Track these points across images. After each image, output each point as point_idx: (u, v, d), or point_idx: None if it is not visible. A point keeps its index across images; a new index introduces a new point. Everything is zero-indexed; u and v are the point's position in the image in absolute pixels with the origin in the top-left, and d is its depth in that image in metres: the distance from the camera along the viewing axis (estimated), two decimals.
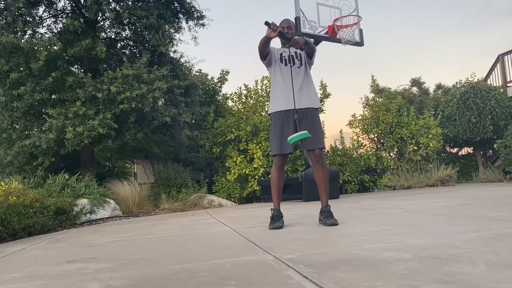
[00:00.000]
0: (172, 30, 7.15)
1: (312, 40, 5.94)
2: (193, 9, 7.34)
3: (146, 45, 7.11)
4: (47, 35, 6.58)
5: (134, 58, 7.20)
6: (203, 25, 7.51)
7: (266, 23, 2.87)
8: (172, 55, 7.59)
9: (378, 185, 8.59)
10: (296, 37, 2.96)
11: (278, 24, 3.09)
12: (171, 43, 7.29)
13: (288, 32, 3.05)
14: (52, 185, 5.71)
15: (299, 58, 3.11)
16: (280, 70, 3.09)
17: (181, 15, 7.37)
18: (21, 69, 6.00)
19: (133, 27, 7.28)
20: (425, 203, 4.12)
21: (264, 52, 3.08)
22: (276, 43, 3.26)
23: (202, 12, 7.42)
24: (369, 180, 8.58)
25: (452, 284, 1.23)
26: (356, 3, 6.40)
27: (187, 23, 7.49)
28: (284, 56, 3.11)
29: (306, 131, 2.80)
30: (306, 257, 1.80)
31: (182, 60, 7.82)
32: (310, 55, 3.12)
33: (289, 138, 2.82)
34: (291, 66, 3.07)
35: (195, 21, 7.44)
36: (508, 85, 10.02)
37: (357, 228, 2.64)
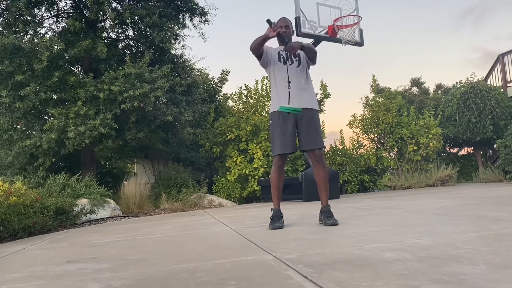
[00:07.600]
0: (175, 28, 7.15)
1: (312, 40, 5.97)
2: (196, 7, 7.35)
3: (148, 44, 7.10)
4: (47, 35, 6.58)
5: (136, 57, 7.20)
6: (207, 21, 7.54)
7: (268, 21, 2.84)
8: (174, 52, 7.60)
9: (378, 185, 8.60)
10: (293, 42, 2.94)
11: (276, 22, 3.08)
12: (177, 40, 7.31)
13: (286, 31, 3.01)
14: (52, 185, 5.71)
15: (297, 57, 3.07)
16: (278, 69, 3.05)
17: (184, 13, 7.39)
18: (24, 69, 5.99)
19: (136, 27, 7.28)
20: (425, 203, 4.11)
21: (258, 51, 3.00)
22: (273, 42, 3.22)
23: (204, 8, 7.45)
24: (369, 180, 8.58)
25: (452, 284, 1.23)
26: (356, 3, 6.40)
27: (191, 21, 7.51)
28: (282, 55, 3.07)
29: (300, 108, 2.91)
30: (306, 257, 1.80)
31: (185, 57, 7.85)
32: (312, 59, 3.08)
33: (281, 106, 2.90)
34: (289, 65, 3.04)
35: (200, 18, 7.46)
36: (508, 85, 10.02)
37: (357, 228, 2.63)
